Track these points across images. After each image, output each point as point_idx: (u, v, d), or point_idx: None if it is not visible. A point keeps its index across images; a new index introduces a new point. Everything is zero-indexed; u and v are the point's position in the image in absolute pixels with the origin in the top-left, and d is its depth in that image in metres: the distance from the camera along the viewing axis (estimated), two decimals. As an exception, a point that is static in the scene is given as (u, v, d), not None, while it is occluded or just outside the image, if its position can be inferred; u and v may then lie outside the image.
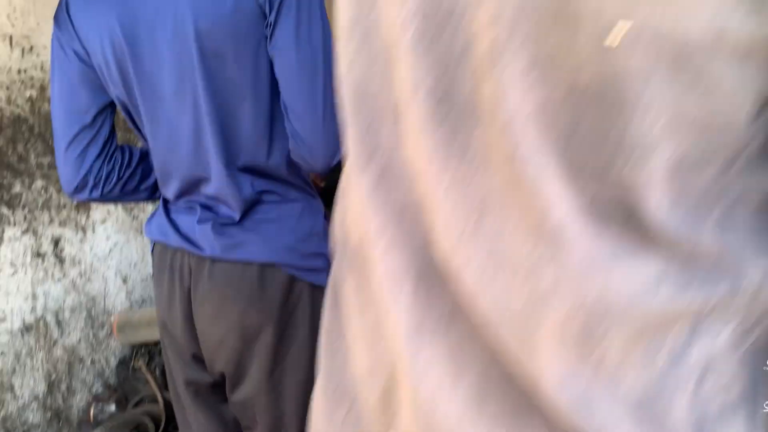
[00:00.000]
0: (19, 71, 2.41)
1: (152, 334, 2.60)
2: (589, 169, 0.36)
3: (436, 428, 0.42)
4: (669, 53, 0.32)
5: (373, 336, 0.49)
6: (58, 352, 2.55)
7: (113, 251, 2.82)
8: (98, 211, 2.75)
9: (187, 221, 1.25)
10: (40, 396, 2.47)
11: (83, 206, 2.67)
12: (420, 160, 0.43)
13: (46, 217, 2.50)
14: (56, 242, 2.55)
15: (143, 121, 1.25)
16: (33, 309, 2.45)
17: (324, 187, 2.91)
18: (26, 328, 2.42)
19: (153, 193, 1.41)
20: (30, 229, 2.44)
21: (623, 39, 0.32)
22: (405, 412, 0.46)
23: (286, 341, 1.24)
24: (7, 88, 2.37)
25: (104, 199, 1.37)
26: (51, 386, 2.51)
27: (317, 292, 1.27)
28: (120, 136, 1.59)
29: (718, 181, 0.36)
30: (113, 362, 2.79)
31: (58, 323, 2.55)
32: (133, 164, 1.37)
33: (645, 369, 0.38)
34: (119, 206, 2.83)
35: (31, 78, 2.46)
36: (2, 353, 2.33)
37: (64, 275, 2.58)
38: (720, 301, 0.37)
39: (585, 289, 0.37)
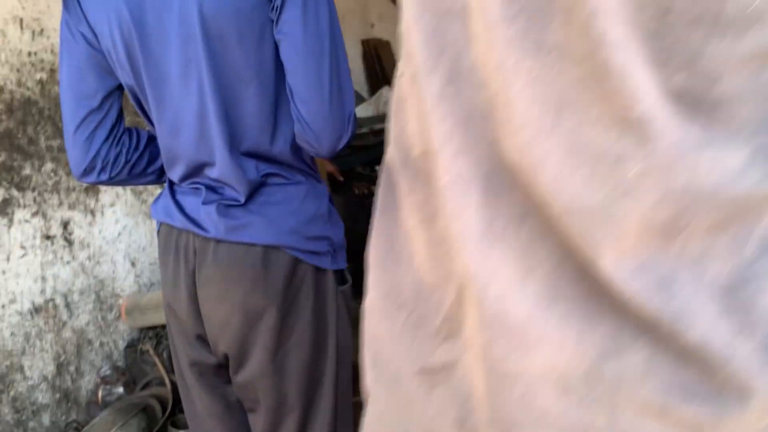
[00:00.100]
0: (29, 54, 2.42)
1: (160, 318, 2.61)
2: (678, 56, 0.36)
3: (505, 330, 0.43)
4: None
5: (441, 246, 0.50)
6: (67, 334, 2.57)
7: (122, 235, 2.84)
8: (107, 194, 2.76)
9: (192, 202, 1.26)
10: (49, 377, 2.49)
11: (92, 189, 2.68)
12: (491, 59, 0.43)
13: (55, 199, 2.52)
14: (65, 225, 2.56)
15: (150, 105, 1.25)
16: (42, 291, 2.46)
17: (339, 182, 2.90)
18: (36, 310, 2.44)
19: (160, 177, 1.42)
20: (40, 212, 2.46)
21: None
22: (471, 320, 0.47)
23: (289, 323, 1.25)
24: (18, 71, 2.38)
25: (112, 182, 1.37)
26: (60, 367, 2.54)
27: (320, 274, 1.27)
28: (128, 120, 1.59)
29: None
30: (121, 345, 2.81)
31: (67, 305, 2.57)
32: (141, 147, 1.37)
33: (732, 256, 0.38)
34: (128, 190, 2.84)
35: (42, 61, 2.47)
36: (12, 334, 2.35)
37: (73, 258, 2.59)
38: None
39: (672, 178, 0.37)
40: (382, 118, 4.06)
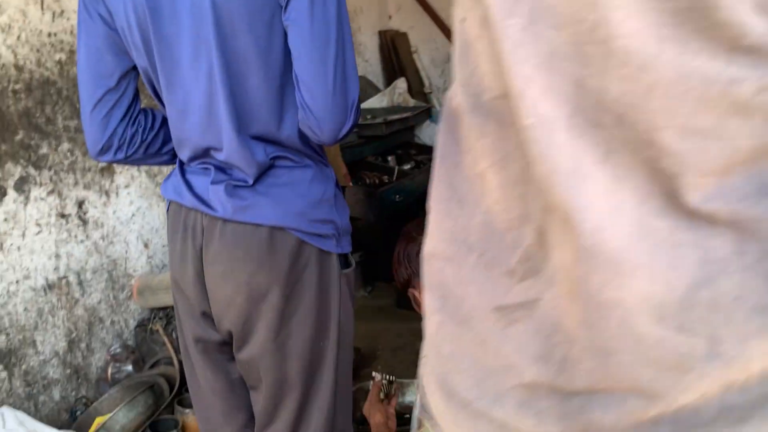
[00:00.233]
0: (49, 34, 2.46)
1: (171, 299, 2.66)
2: None
3: (601, 262, 0.45)
4: None
5: (516, 188, 0.52)
6: (79, 311, 2.62)
7: (136, 216, 2.88)
8: (122, 175, 2.80)
9: (201, 182, 1.28)
10: (61, 353, 2.54)
11: (108, 170, 2.72)
12: None
13: (71, 179, 2.56)
14: (80, 204, 2.61)
15: (161, 86, 1.27)
16: (56, 268, 2.51)
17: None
18: (49, 287, 2.49)
19: (174, 157, 1.45)
20: (55, 191, 2.50)
21: None
22: (561, 256, 0.49)
23: (293, 304, 1.27)
24: (37, 51, 2.42)
25: (128, 161, 1.40)
26: (71, 344, 2.59)
27: (325, 257, 1.29)
28: (144, 103, 1.62)
29: None
30: (132, 324, 2.86)
31: (80, 283, 2.62)
32: (156, 127, 1.40)
33: None
34: (143, 172, 2.88)
35: (61, 41, 2.51)
36: (26, 309, 2.40)
37: (87, 237, 2.64)
38: None
39: None
40: (395, 109, 4.08)
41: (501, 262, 0.55)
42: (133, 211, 2.87)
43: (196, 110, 1.24)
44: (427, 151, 3.86)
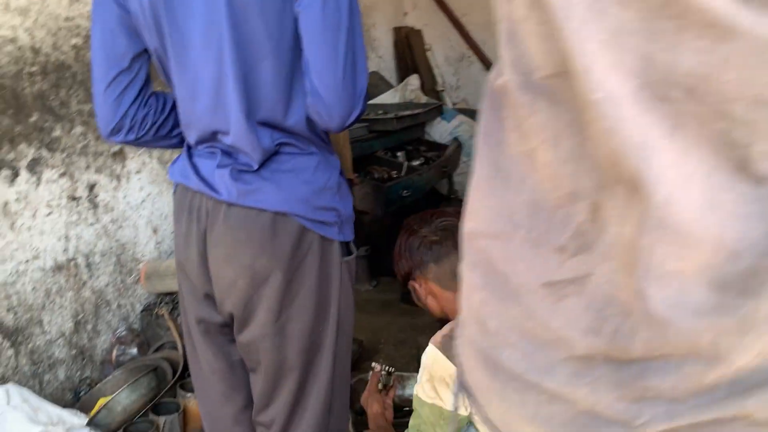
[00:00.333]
0: (66, 19, 2.49)
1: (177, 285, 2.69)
2: None
3: (669, 233, 0.47)
4: None
5: (567, 165, 0.53)
6: (87, 293, 2.65)
7: (146, 201, 2.91)
8: (134, 161, 2.83)
9: (207, 165, 1.30)
10: (67, 333, 2.57)
11: (119, 155, 2.75)
12: None
13: (83, 162, 2.59)
14: (91, 188, 2.64)
15: (171, 69, 1.29)
16: (65, 250, 2.55)
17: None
18: (57, 268, 2.52)
19: (183, 141, 1.47)
20: (67, 173, 2.53)
21: None
22: (620, 227, 0.50)
23: (294, 288, 1.29)
24: (54, 35, 2.45)
25: (138, 142, 1.42)
26: (77, 325, 2.62)
27: (327, 244, 1.31)
28: (156, 87, 1.64)
29: None
30: (138, 308, 2.89)
31: (88, 266, 2.65)
32: (167, 110, 1.42)
33: None
34: (154, 158, 2.91)
35: (78, 26, 2.54)
36: (34, 289, 2.43)
37: (97, 220, 2.67)
38: None
39: None
40: (407, 105, 4.09)
41: (550, 239, 0.56)
42: (143, 196, 2.90)
43: (205, 93, 1.26)
44: (437, 148, 3.87)
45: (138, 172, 2.86)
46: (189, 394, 2.28)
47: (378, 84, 4.64)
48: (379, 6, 5.17)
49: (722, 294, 0.47)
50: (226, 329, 1.40)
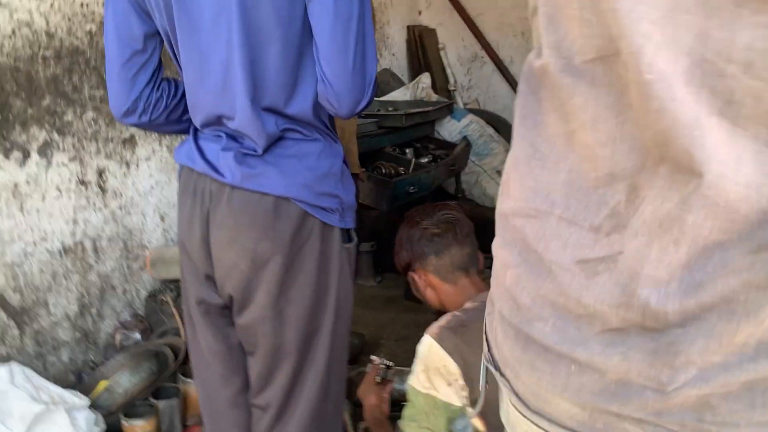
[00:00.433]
0: (81, 5, 2.52)
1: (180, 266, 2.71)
2: None
3: (720, 209, 0.49)
4: None
5: (605, 148, 0.55)
6: (93, 277, 2.68)
7: (154, 189, 2.94)
8: (144, 148, 2.86)
9: (212, 148, 1.32)
10: (72, 316, 2.60)
11: (130, 142, 2.78)
12: None
13: (93, 147, 2.62)
14: (101, 173, 2.67)
15: (179, 51, 1.31)
16: (73, 233, 2.57)
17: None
18: (65, 250, 2.55)
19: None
20: (77, 158, 2.56)
21: None
22: (659, 204, 0.53)
23: (293, 273, 1.31)
24: (69, 20, 2.48)
25: (151, 124, 1.44)
26: (82, 308, 2.65)
27: (327, 230, 1.33)
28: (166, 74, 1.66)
29: None
30: (143, 294, 2.92)
31: (95, 250, 2.68)
32: (179, 95, 1.44)
33: None
34: (164, 146, 2.94)
35: (93, 13, 2.56)
36: (41, 271, 2.46)
37: (105, 205, 2.70)
38: None
39: None
40: (417, 103, 4.10)
41: (586, 218, 0.58)
42: (152, 183, 2.93)
43: (212, 77, 1.27)
44: (446, 146, 3.88)
45: (147, 159, 2.89)
46: (189, 380, 2.29)
47: (389, 81, 4.66)
48: (393, 4, 5.19)
49: (757, 255, 0.49)
50: (226, 311, 1.42)
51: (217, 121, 1.31)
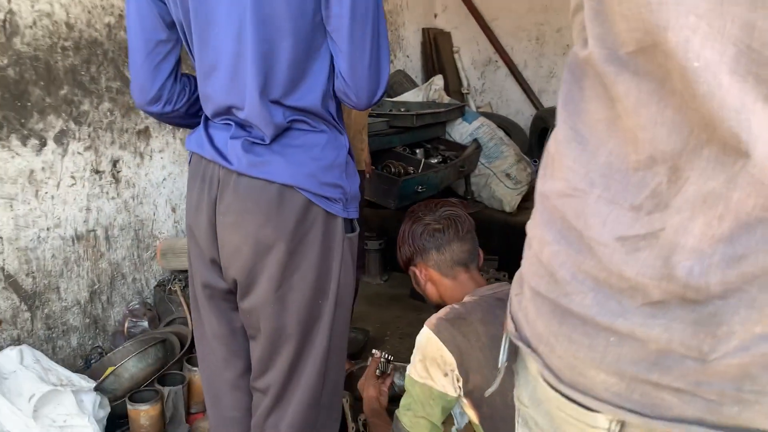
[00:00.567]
0: (101, -3, 2.57)
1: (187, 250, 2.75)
2: None
3: (763, 187, 0.52)
4: None
5: (646, 131, 0.59)
6: (104, 265, 2.73)
7: (167, 180, 2.99)
8: (158, 140, 2.91)
9: (221, 136, 1.36)
10: (82, 302, 2.65)
11: (144, 133, 2.83)
12: None
13: (108, 137, 2.68)
14: (115, 163, 2.72)
15: (193, 43, 1.35)
16: (86, 221, 2.63)
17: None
18: (77, 237, 2.60)
19: None
20: (92, 147, 2.61)
21: None
22: (702, 183, 0.56)
23: (296, 260, 1.34)
24: (89, 12, 2.54)
25: (173, 114, 1.49)
26: (93, 295, 2.70)
27: (331, 219, 1.36)
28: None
29: None
30: (152, 283, 2.96)
31: (107, 238, 2.73)
32: (197, 90, 1.48)
33: None
34: (177, 139, 2.99)
35: (112, 5, 2.62)
36: (53, 256, 2.52)
37: (118, 195, 2.75)
38: None
39: None
40: (429, 104, 4.13)
41: (626, 198, 0.61)
42: (164, 175, 2.98)
43: (223, 69, 1.31)
44: (456, 148, 3.90)
45: (161, 151, 2.94)
46: (195, 369, 2.34)
47: (403, 82, 4.69)
48: (410, 6, 5.23)
49: None
50: (230, 296, 1.45)
51: (227, 111, 1.35)
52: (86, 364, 2.63)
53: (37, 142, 2.40)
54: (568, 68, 0.69)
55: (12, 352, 2.16)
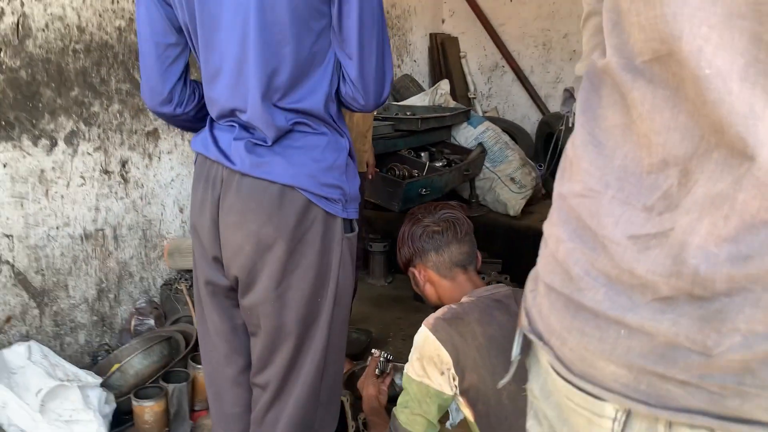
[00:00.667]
0: (112, 1, 2.62)
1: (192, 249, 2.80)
2: None
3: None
4: None
5: (659, 136, 0.62)
6: (112, 263, 2.78)
7: (174, 181, 3.03)
8: (166, 141, 2.96)
9: (225, 137, 1.40)
10: (90, 300, 2.70)
11: (153, 135, 2.88)
12: None
13: (117, 138, 2.73)
14: (124, 163, 2.77)
15: (199, 47, 1.39)
16: (94, 220, 2.67)
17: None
18: (86, 236, 2.65)
19: None
20: (102, 148, 2.66)
21: None
22: (711, 186, 0.59)
23: (296, 258, 1.37)
24: (100, 15, 2.59)
25: (183, 117, 1.53)
26: (100, 293, 2.75)
27: (330, 219, 1.39)
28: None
29: None
30: (159, 282, 3.01)
31: (115, 238, 2.78)
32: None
33: None
34: (186, 140, 3.04)
35: (122, 9, 2.67)
36: (62, 254, 2.56)
37: (126, 195, 2.80)
38: None
39: None
40: (435, 108, 4.17)
41: (639, 199, 0.65)
42: (172, 176, 3.02)
43: (227, 73, 1.35)
44: (461, 151, 3.94)
45: (169, 152, 2.99)
46: (199, 366, 2.37)
47: (409, 86, 4.73)
48: (417, 12, 5.27)
49: None
50: (232, 293, 1.49)
51: (231, 113, 1.39)
52: (93, 360, 2.67)
53: (47, 142, 2.45)
54: (587, 76, 0.73)
55: (20, 348, 2.20)
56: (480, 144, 3.96)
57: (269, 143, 1.35)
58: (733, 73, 0.55)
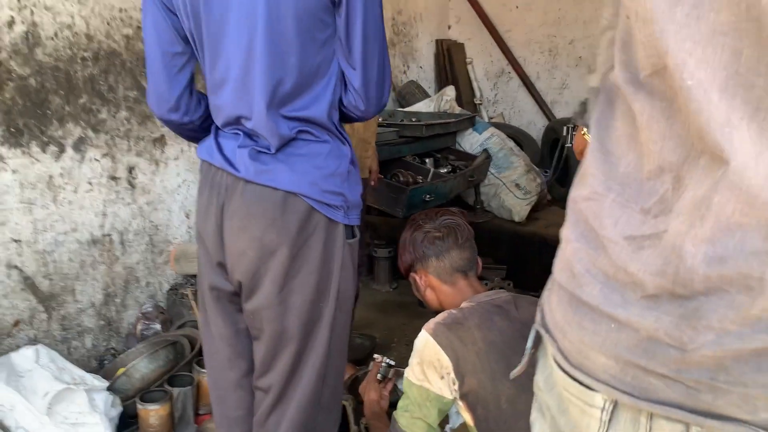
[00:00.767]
0: (120, 10, 2.66)
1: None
2: None
3: (740, 193, 0.59)
4: None
5: (659, 141, 0.67)
6: (118, 268, 2.81)
7: (181, 187, 3.07)
8: (173, 148, 2.99)
9: (230, 145, 1.42)
10: (97, 304, 2.73)
11: (160, 141, 2.91)
12: None
13: (125, 145, 2.76)
14: (131, 170, 2.80)
15: (204, 56, 1.42)
16: (102, 225, 2.71)
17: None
18: (93, 242, 2.68)
19: None
20: (109, 154, 2.70)
21: None
22: (696, 190, 0.63)
23: (298, 264, 1.40)
24: (108, 24, 2.63)
25: (190, 126, 1.55)
26: (107, 297, 2.78)
27: (332, 226, 1.42)
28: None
29: None
30: (165, 287, 3.04)
31: (122, 243, 2.81)
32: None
33: None
34: (192, 147, 3.06)
35: (130, 17, 2.71)
36: (70, 259, 2.60)
37: (133, 201, 2.83)
38: None
39: None
40: (440, 115, 4.19)
41: (637, 202, 0.70)
42: (179, 182, 3.05)
43: (233, 81, 1.38)
44: (466, 157, 3.95)
45: (176, 158, 3.02)
46: (204, 371, 2.39)
47: (415, 93, 4.75)
48: (423, 18, 5.30)
49: None
50: (235, 298, 1.51)
51: (235, 121, 1.42)
52: (99, 364, 2.70)
53: (56, 148, 2.48)
54: (603, 90, 0.78)
55: (28, 351, 2.23)
56: (485, 150, 3.98)
57: (273, 151, 1.38)
58: (714, 84, 0.59)
